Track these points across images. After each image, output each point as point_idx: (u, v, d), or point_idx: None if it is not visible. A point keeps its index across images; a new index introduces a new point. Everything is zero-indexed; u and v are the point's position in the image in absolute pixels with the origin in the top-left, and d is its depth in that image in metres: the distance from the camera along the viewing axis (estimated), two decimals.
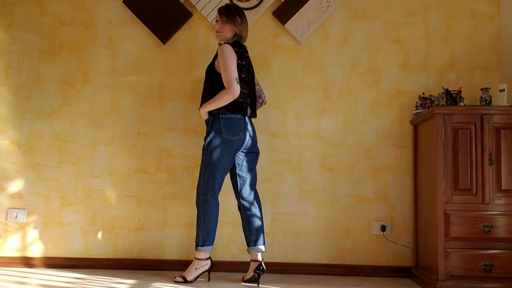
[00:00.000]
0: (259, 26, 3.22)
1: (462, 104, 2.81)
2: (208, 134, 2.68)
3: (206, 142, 2.66)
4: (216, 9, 3.17)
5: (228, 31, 2.72)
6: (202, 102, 2.73)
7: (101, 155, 3.16)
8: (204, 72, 3.19)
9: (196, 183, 3.13)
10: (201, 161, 2.68)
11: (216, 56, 2.73)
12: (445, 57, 3.19)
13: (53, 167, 3.15)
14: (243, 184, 2.75)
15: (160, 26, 3.19)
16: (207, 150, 2.66)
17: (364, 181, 3.13)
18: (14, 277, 2.75)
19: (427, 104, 2.97)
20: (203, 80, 3.15)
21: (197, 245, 2.67)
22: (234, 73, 2.60)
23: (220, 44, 2.70)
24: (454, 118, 2.63)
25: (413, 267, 3.01)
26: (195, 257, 2.69)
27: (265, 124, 3.15)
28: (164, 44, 3.22)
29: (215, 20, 2.83)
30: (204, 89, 2.74)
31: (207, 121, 2.72)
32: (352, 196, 3.13)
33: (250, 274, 2.72)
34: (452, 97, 2.80)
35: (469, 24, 3.20)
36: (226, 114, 2.65)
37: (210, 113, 2.68)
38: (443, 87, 2.91)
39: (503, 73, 3.12)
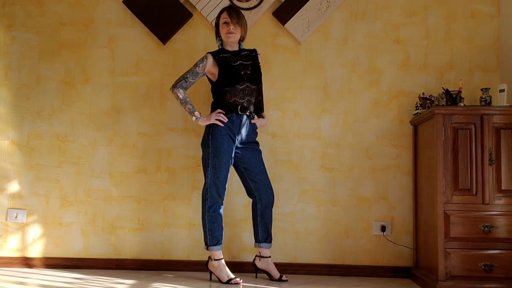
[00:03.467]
0: (259, 27, 3.22)
1: (462, 104, 2.81)
2: (255, 137, 2.88)
3: (258, 144, 2.89)
4: (216, 10, 3.17)
5: (239, 33, 2.83)
6: (260, 104, 2.88)
7: (101, 155, 3.16)
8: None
9: (195, 183, 3.14)
10: (262, 160, 2.86)
11: (255, 58, 2.89)
12: (445, 57, 3.19)
13: (53, 167, 3.15)
14: None
15: (160, 26, 3.19)
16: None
17: (364, 181, 3.13)
18: (14, 277, 2.75)
19: (427, 104, 2.97)
20: (201, 80, 3.15)
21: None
22: None
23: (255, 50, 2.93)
24: (454, 118, 2.63)
25: (413, 267, 3.01)
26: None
27: None
28: (164, 44, 3.22)
29: (223, 21, 2.81)
30: (258, 89, 2.86)
31: (253, 124, 2.86)
32: (352, 196, 3.13)
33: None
34: (452, 97, 2.80)
35: (469, 24, 3.20)
36: None
37: (259, 113, 2.91)
38: (443, 87, 2.90)
39: (503, 73, 3.12)
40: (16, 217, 3.10)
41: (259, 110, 2.88)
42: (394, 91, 3.18)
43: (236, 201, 3.11)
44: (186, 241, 3.11)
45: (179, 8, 3.20)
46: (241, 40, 2.87)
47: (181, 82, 2.79)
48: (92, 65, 3.22)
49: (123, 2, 3.22)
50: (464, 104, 2.85)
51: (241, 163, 2.81)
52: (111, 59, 3.23)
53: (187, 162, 3.16)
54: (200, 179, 3.14)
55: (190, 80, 2.81)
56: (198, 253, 3.10)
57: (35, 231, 3.11)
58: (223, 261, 2.74)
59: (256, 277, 2.86)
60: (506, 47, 3.11)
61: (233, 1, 3.20)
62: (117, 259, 3.08)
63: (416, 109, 3.01)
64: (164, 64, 3.23)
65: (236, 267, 3.02)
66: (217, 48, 2.91)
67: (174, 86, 2.78)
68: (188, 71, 2.82)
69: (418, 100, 3.07)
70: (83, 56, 3.22)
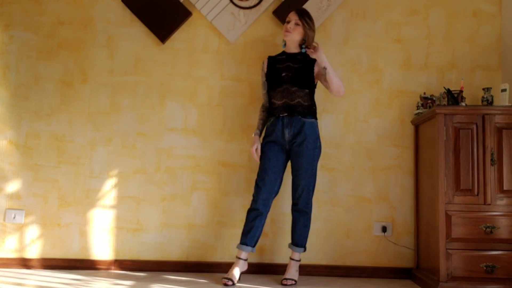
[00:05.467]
0: (259, 26, 3.20)
1: (463, 104, 2.79)
2: (308, 136, 2.74)
3: (316, 145, 2.76)
4: (215, 8, 3.17)
5: (297, 34, 2.81)
6: (300, 107, 2.78)
7: (99, 155, 3.14)
8: (203, 71, 3.18)
9: (195, 183, 3.12)
10: (311, 164, 2.74)
11: (310, 63, 2.82)
12: (447, 57, 3.17)
13: (51, 167, 3.13)
14: None
15: (159, 25, 3.17)
16: (318, 152, 2.79)
17: (365, 182, 3.11)
18: (12, 279, 2.73)
19: (428, 104, 2.95)
20: (201, 79, 3.13)
21: (305, 249, 2.82)
22: None
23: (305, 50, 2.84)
24: (456, 118, 2.61)
25: (414, 268, 2.99)
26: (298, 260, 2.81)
27: None
28: (163, 43, 3.20)
29: (287, 20, 2.83)
30: (299, 92, 2.80)
31: (305, 124, 2.75)
32: (353, 196, 3.11)
33: None
34: (453, 97, 2.78)
35: (471, 23, 3.19)
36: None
37: (309, 116, 2.78)
38: (444, 87, 2.89)
39: (505, 73, 3.10)
40: (14, 218, 3.08)
41: (303, 109, 2.77)
42: (395, 90, 3.17)
43: (236, 201, 3.10)
44: (186, 241, 3.09)
45: (178, 7, 3.18)
46: (304, 44, 2.83)
47: (263, 101, 2.95)
48: (91, 64, 3.20)
49: (122, 1, 3.20)
50: (466, 104, 2.83)
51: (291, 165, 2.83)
52: (110, 58, 3.21)
53: (187, 163, 3.14)
54: (199, 179, 3.13)
55: (263, 92, 2.93)
56: (198, 254, 3.08)
57: (33, 231, 3.09)
58: (239, 260, 2.73)
59: None
60: (508, 47, 3.09)
61: (233, 0, 3.18)
62: (116, 260, 3.06)
63: (417, 109, 2.99)
64: (164, 64, 3.21)
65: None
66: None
67: None
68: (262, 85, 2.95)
69: (419, 100, 3.05)
70: (82, 55, 3.20)
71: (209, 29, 3.21)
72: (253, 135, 2.90)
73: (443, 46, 3.18)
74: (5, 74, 3.19)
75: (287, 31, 2.79)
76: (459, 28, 3.19)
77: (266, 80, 2.88)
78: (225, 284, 2.62)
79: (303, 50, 2.84)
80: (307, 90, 2.80)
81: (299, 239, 2.78)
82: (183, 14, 3.18)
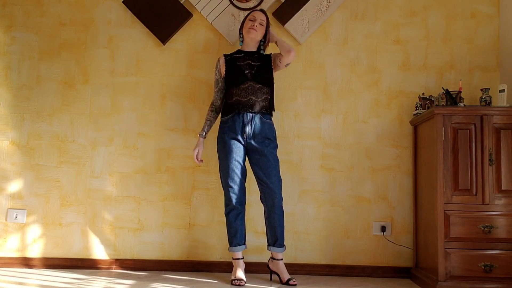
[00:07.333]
0: None
1: (462, 104, 2.81)
2: (270, 137, 2.79)
3: (276, 145, 2.81)
4: (216, 10, 3.19)
5: (260, 34, 2.85)
6: (266, 102, 2.81)
7: (101, 155, 3.16)
8: (204, 72, 3.20)
9: (195, 183, 3.14)
10: (276, 162, 2.76)
11: (268, 60, 2.87)
12: (445, 58, 3.19)
13: (53, 167, 3.15)
14: None
15: (160, 27, 3.19)
16: (275, 150, 2.80)
17: (364, 182, 3.13)
18: (14, 278, 2.75)
19: (427, 105, 2.97)
20: (201, 80, 3.15)
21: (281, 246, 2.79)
22: None
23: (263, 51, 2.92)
24: (454, 119, 2.63)
25: (413, 267, 3.01)
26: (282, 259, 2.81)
27: None
28: (164, 44, 3.22)
29: (249, 18, 2.85)
30: (264, 89, 2.82)
31: (265, 124, 2.78)
32: (352, 196, 3.13)
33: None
34: (452, 98, 2.80)
35: (469, 24, 3.21)
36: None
37: (267, 116, 2.81)
38: (443, 88, 2.91)
39: (503, 74, 3.12)
40: (16, 217, 3.10)
41: (265, 109, 2.80)
42: (394, 91, 3.19)
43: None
44: (186, 241, 3.11)
45: (179, 8, 3.20)
46: (262, 44, 2.89)
47: (212, 99, 2.93)
48: (92, 65, 3.22)
49: (123, 2, 3.22)
50: (464, 104, 2.85)
51: (251, 164, 2.81)
52: (111, 59, 3.23)
53: (187, 163, 3.16)
54: (199, 179, 3.15)
55: (215, 90, 2.91)
56: (198, 253, 3.10)
57: (35, 231, 3.11)
58: (239, 261, 2.76)
59: (270, 279, 2.86)
60: (506, 47, 3.11)
61: (233, 1, 3.20)
62: (117, 259, 3.08)
63: (416, 109, 3.01)
64: (164, 64, 3.23)
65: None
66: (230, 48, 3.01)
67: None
68: (214, 83, 2.94)
69: (418, 101, 3.07)
70: (83, 56, 3.22)
71: (209, 30, 3.23)
72: (198, 135, 2.93)
73: (442, 47, 3.20)
74: (7, 75, 3.21)
75: (252, 28, 2.81)
76: (458, 29, 3.21)
77: (227, 77, 2.84)
78: (239, 285, 2.65)
79: (262, 52, 2.89)
80: (269, 87, 2.83)
81: (283, 239, 2.79)
82: (184, 16, 3.20)
